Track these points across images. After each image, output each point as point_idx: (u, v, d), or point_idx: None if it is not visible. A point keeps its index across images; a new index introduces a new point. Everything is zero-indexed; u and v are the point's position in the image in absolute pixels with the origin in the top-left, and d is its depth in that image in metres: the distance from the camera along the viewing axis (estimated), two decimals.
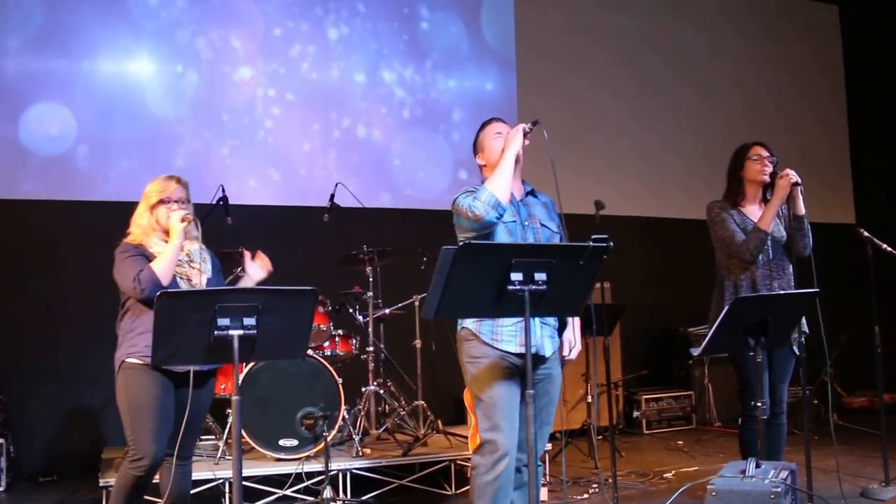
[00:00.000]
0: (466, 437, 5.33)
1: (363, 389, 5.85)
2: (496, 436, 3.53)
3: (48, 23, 6.67)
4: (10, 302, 6.40)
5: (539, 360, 3.62)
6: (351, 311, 6.02)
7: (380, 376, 5.97)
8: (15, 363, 6.36)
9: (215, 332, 3.11)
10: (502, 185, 3.54)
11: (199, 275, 3.90)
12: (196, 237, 4.01)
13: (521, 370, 3.44)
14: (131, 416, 3.72)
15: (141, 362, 3.70)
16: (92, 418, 6.46)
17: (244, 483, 4.99)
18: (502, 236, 3.59)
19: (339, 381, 5.36)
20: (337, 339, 5.83)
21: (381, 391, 5.91)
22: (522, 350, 3.44)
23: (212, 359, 3.33)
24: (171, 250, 3.77)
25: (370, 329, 5.90)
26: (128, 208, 4.02)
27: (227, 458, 5.27)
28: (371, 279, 5.94)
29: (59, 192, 6.61)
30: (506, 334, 3.58)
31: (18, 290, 6.43)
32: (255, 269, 4.07)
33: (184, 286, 3.79)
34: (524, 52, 8.26)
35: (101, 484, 4.97)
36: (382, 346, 6.09)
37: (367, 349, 5.89)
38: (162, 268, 3.72)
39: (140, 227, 3.90)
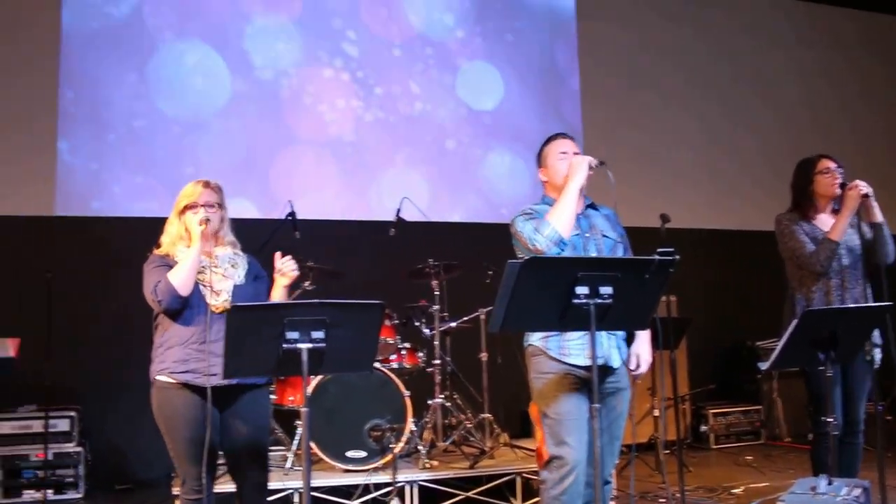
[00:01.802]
0: (533, 451, 5.34)
1: (430, 402, 5.87)
2: (563, 451, 3.54)
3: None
4: (88, 317, 6.62)
5: (607, 371, 3.61)
6: (417, 324, 6.05)
7: (446, 389, 5.98)
8: (91, 376, 6.54)
9: (284, 346, 3.15)
10: (565, 220, 3.54)
11: (224, 280, 3.71)
12: (231, 242, 3.85)
13: (589, 383, 3.39)
14: (169, 438, 3.64)
15: (171, 380, 3.61)
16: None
17: (313, 493, 5.07)
18: (565, 251, 3.57)
19: (407, 393, 5.39)
20: (404, 352, 5.86)
21: (448, 404, 5.93)
22: (589, 363, 3.42)
23: (281, 371, 3.38)
24: (189, 258, 3.60)
25: (437, 342, 5.93)
26: None
27: (296, 468, 5.35)
28: (437, 293, 5.96)
29: (130, 208, 6.81)
30: (573, 348, 3.59)
31: (95, 306, 6.63)
32: (285, 271, 3.72)
33: (206, 294, 3.64)
34: (588, 67, 8.25)
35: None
36: (449, 358, 6.11)
37: (434, 362, 5.91)
38: (179, 277, 3.56)
39: (169, 236, 3.78)
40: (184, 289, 3.57)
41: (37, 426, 5.98)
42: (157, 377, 3.65)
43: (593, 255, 3.61)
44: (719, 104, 8.76)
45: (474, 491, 5.37)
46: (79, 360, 6.43)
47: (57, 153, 6.76)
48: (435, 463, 5.49)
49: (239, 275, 3.77)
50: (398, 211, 6.19)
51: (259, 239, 5.45)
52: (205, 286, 3.66)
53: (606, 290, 3.04)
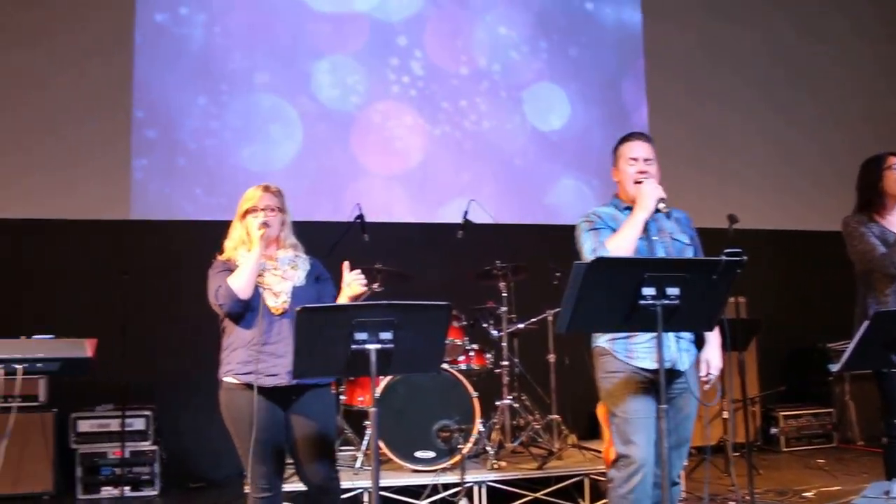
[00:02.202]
0: (601, 452, 5.33)
1: (498, 403, 5.89)
2: (630, 450, 3.54)
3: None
4: (162, 319, 6.79)
5: (675, 374, 3.59)
6: (485, 325, 6.07)
7: (514, 390, 5.99)
8: (165, 376, 6.71)
9: (353, 346, 3.18)
10: (625, 249, 3.50)
11: (283, 282, 3.74)
12: (293, 244, 3.89)
13: (657, 385, 3.39)
14: (236, 438, 3.72)
15: (236, 381, 3.68)
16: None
17: (381, 493, 5.12)
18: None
19: (475, 394, 5.41)
20: (472, 353, 5.89)
21: (516, 405, 5.94)
22: (656, 366, 3.40)
23: (350, 372, 3.43)
24: (248, 262, 3.65)
25: (504, 343, 5.94)
26: None
27: (365, 468, 5.40)
28: (505, 294, 5.98)
29: (210, 212, 6.98)
30: (640, 350, 3.58)
31: (169, 308, 6.79)
32: (353, 285, 3.70)
33: (266, 296, 3.69)
34: (652, 68, 8.19)
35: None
36: (517, 360, 6.12)
37: (502, 363, 5.92)
38: (238, 282, 3.62)
39: (232, 241, 3.83)
40: (243, 292, 3.63)
41: (114, 425, 6.18)
42: (224, 378, 3.74)
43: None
44: (776, 106, 8.62)
45: (542, 492, 5.37)
46: (153, 361, 6.60)
47: (131, 168, 7.00)
48: (503, 464, 5.50)
49: (299, 276, 3.81)
50: (465, 213, 6.21)
51: (328, 241, 5.55)
52: (264, 288, 3.71)
53: (673, 291, 3.03)
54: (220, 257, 3.83)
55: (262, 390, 3.63)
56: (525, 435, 5.86)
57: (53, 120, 6.90)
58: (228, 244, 3.84)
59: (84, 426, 6.18)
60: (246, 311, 3.69)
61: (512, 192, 7.63)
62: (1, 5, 6.87)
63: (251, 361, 3.64)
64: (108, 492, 6.13)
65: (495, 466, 5.42)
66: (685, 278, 3.04)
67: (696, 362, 3.71)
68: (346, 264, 3.72)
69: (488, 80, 7.73)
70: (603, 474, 5.22)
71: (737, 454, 6.55)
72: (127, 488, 6.12)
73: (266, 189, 3.85)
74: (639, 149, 3.73)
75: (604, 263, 3.05)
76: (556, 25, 7.96)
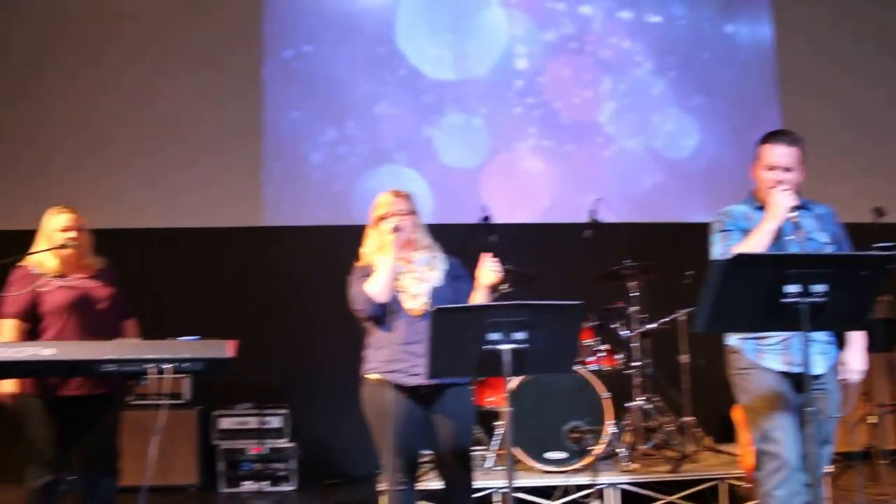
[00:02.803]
0: (736, 455, 5.17)
1: (629, 404, 5.81)
2: (769, 446, 3.45)
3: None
4: (297, 321, 6.96)
5: (806, 378, 3.40)
6: (615, 326, 5.98)
7: (646, 391, 5.89)
8: (299, 376, 6.91)
9: (486, 347, 3.21)
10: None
11: (420, 283, 3.81)
12: (428, 246, 3.93)
13: (789, 383, 3.46)
14: (375, 432, 3.81)
15: (377, 377, 3.79)
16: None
17: (514, 494, 5.11)
18: None
19: (606, 395, 5.35)
20: (601, 354, 5.81)
21: (648, 406, 5.84)
22: (786, 369, 3.47)
23: (483, 372, 3.45)
24: (383, 267, 3.73)
25: (635, 344, 5.85)
26: None
27: (495, 468, 5.42)
28: (635, 294, 5.88)
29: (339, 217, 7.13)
30: (770, 351, 3.51)
31: (305, 310, 6.97)
32: (487, 273, 3.71)
33: (404, 298, 3.77)
34: (784, 48, 7.85)
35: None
36: (648, 360, 6.01)
37: (633, 364, 5.83)
38: (375, 286, 3.71)
39: (368, 248, 3.93)
40: (380, 296, 3.71)
41: (252, 422, 6.39)
42: (367, 375, 3.84)
43: None
44: None
45: (676, 496, 5.26)
46: (289, 361, 6.80)
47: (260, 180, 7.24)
48: (635, 466, 5.41)
49: (436, 277, 3.86)
50: (593, 212, 6.12)
51: (455, 242, 5.57)
52: (402, 292, 3.79)
53: (820, 288, 2.91)
54: (358, 263, 3.93)
55: (404, 388, 3.73)
56: (657, 437, 5.76)
57: (196, 144, 7.22)
58: (365, 251, 3.94)
59: (225, 423, 6.41)
60: (385, 313, 3.78)
61: (638, 190, 7.49)
62: (150, 47, 7.25)
63: (394, 360, 3.74)
64: (248, 486, 6.34)
65: (628, 469, 5.34)
66: (832, 274, 2.92)
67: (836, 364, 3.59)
68: (483, 254, 3.73)
69: (615, 101, 7.58)
70: (740, 479, 5.08)
71: (886, 461, 6.24)
72: (266, 483, 6.31)
73: (396, 194, 3.92)
74: (779, 156, 3.55)
75: (744, 260, 2.96)
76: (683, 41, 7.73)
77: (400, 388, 3.72)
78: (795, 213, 3.43)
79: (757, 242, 3.43)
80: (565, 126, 7.46)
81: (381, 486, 5.18)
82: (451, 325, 3.25)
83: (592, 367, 5.72)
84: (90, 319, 4.12)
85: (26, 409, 4.04)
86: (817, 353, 3.47)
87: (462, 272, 3.95)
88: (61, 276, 4.15)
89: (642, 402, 5.81)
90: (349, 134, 7.31)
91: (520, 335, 3.21)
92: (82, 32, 7.28)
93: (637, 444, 5.75)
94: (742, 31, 7.76)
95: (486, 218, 5.91)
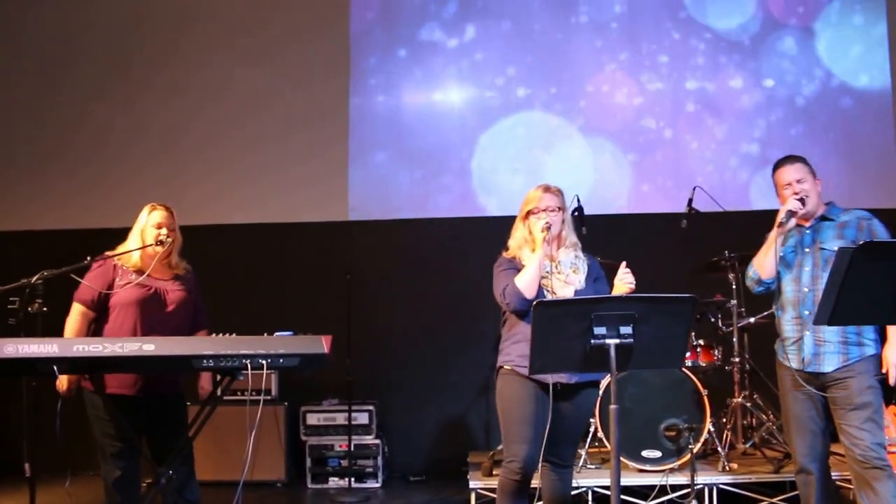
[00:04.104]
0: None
1: (728, 401, 5.64)
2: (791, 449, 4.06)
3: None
4: (382, 316, 6.95)
5: (819, 375, 3.83)
6: (713, 320, 5.80)
7: (745, 388, 5.69)
8: (387, 373, 6.91)
9: (592, 341, 3.11)
10: (767, 265, 3.99)
11: (565, 286, 3.85)
12: (574, 244, 3.99)
13: (812, 383, 3.84)
14: (504, 420, 3.84)
15: (512, 369, 3.81)
16: (456, 424, 6.80)
17: (605, 492, 4.99)
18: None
19: (705, 392, 5.19)
20: (699, 349, 5.65)
21: (748, 404, 5.64)
22: (800, 367, 3.89)
23: (588, 368, 3.34)
24: (533, 263, 3.78)
25: (735, 339, 5.65)
26: (500, 223, 4.19)
27: (588, 466, 5.33)
28: (734, 286, 5.67)
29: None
30: (790, 351, 3.93)
31: (389, 306, 6.97)
32: (619, 284, 3.73)
33: (548, 296, 3.79)
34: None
35: (470, 486, 5.19)
36: (747, 356, 5.81)
37: (732, 360, 5.65)
38: (525, 282, 3.75)
39: (515, 240, 3.97)
40: (529, 292, 3.75)
41: (339, 418, 6.38)
42: (504, 366, 3.89)
43: (807, 270, 3.92)
44: None
45: (778, 497, 5.09)
46: (376, 358, 6.77)
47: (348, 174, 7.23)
48: (735, 465, 5.24)
49: (580, 280, 3.90)
50: (690, 201, 5.90)
51: None
52: (549, 291, 3.83)
53: None
54: (505, 254, 3.99)
55: (539, 383, 3.75)
56: (758, 435, 5.57)
57: (289, 145, 7.29)
58: (512, 243, 4.00)
59: (312, 419, 6.41)
60: (530, 307, 3.72)
61: (736, 176, 7.23)
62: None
63: None
64: (334, 482, 6.33)
65: (727, 468, 5.16)
66: None
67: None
68: (623, 264, 3.76)
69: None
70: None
71: None
72: (352, 479, 6.26)
73: (546, 189, 3.97)
74: (789, 173, 4.01)
75: (876, 247, 2.80)
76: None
77: (535, 381, 3.75)
78: (794, 220, 3.95)
79: (766, 250, 4.02)
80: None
81: (474, 484, 5.13)
82: (554, 318, 3.16)
83: (689, 362, 5.57)
84: (156, 320, 4.07)
85: (90, 406, 4.05)
86: (828, 352, 3.81)
87: (601, 273, 4.01)
88: (140, 272, 4.12)
89: (742, 400, 5.63)
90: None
91: (627, 329, 3.11)
92: (160, 32, 7.43)
93: (736, 443, 5.61)
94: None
95: (577, 209, 5.76)
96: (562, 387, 3.74)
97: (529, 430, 3.72)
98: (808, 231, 3.97)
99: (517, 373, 3.79)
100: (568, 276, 3.89)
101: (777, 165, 4.09)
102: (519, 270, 3.83)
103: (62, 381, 3.96)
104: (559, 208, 3.92)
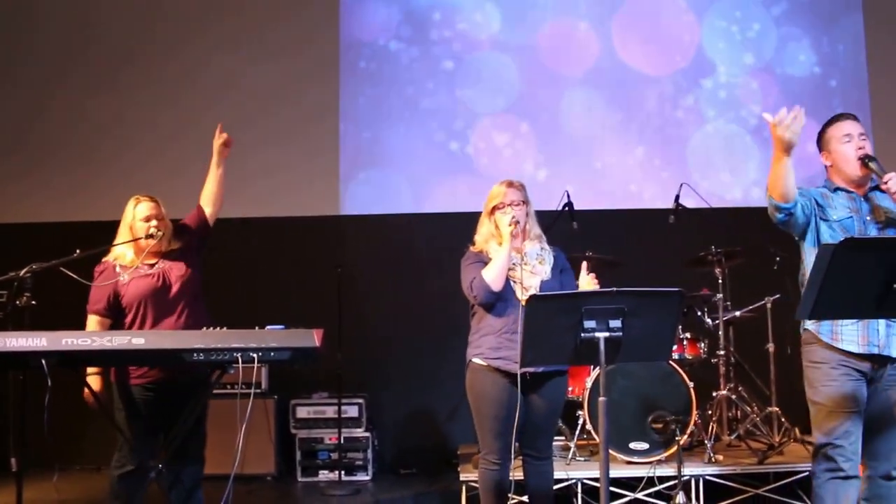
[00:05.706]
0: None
1: (714, 394, 5.68)
2: (829, 442, 3.49)
3: None
4: (372, 310, 6.98)
5: (884, 361, 3.49)
6: (699, 313, 5.85)
7: (731, 381, 5.75)
8: (377, 367, 6.93)
9: (582, 335, 3.14)
10: (780, 185, 3.50)
11: (532, 276, 3.92)
12: (538, 236, 4.06)
13: (865, 373, 3.48)
14: (477, 413, 3.93)
15: (484, 363, 3.88)
16: (446, 416, 6.84)
17: (595, 484, 5.03)
18: (834, 234, 3.54)
19: (691, 385, 5.24)
20: (685, 342, 5.69)
21: (733, 396, 5.70)
22: (864, 350, 3.47)
23: (578, 361, 3.39)
24: (500, 256, 3.85)
25: (720, 332, 5.71)
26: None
27: (577, 458, 5.35)
28: (720, 281, 5.72)
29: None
30: (846, 333, 3.49)
31: (379, 300, 7.00)
32: (585, 282, 3.77)
33: (516, 289, 3.87)
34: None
35: (461, 479, 5.22)
36: (733, 349, 5.87)
37: (718, 353, 5.70)
38: (492, 275, 3.82)
39: (481, 235, 4.04)
40: (496, 285, 3.83)
41: (329, 412, 6.40)
42: (473, 360, 3.95)
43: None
44: None
45: (763, 488, 5.14)
46: (364, 351, 6.77)
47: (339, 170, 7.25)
48: (720, 457, 5.29)
49: (546, 271, 3.97)
50: (677, 197, 5.96)
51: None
52: (515, 282, 3.88)
53: None
54: (472, 248, 4.06)
55: (508, 374, 3.82)
56: (743, 428, 5.62)
57: (276, 135, 7.28)
58: (478, 238, 4.06)
59: (302, 412, 6.44)
60: (497, 300, 3.88)
61: (721, 173, 7.30)
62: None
63: (501, 348, 3.84)
64: (325, 475, 6.35)
65: (713, 460, 5.21)
66: None
67: None
68: (584, 265, 3.84)
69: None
70: None
71: None
72: (342, 472, 6.30)
73: (510, 185, 4.03)
74: (850, 126, 3.66)
75: (855, 244, 2.84)
76: None
77: (504, 373, 3.82)
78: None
79: (773, 171, 3.51)
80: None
81: (465, 476, 5.15)
82: (546, 312, 3.19)
83: (675, 355, 5.61)
84: (166, 304, 4.07)
85: (111, 398, 4.05)
86: (894, 334, 3.49)
87: (567, 265, 4.07)
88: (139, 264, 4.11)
89: (727, 392, 5.68)
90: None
91: (616, 323, 3.14)
92: (161, 29, 7.43)
93: (722, 435, 5.65)
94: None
95: (567, 205, 5.81)
96: (531, 376, 3.80)
97: (502, 423, 3.81)
98: (861, 198, 3.63)
99: (487, 366, 3.86)
100: (534, 267, 3.95)
101: (835, 119, 3.70)
102: (486, 264, 3.89)
103: (95, 382, 3.98)
104: (523, 202, 3.99)
